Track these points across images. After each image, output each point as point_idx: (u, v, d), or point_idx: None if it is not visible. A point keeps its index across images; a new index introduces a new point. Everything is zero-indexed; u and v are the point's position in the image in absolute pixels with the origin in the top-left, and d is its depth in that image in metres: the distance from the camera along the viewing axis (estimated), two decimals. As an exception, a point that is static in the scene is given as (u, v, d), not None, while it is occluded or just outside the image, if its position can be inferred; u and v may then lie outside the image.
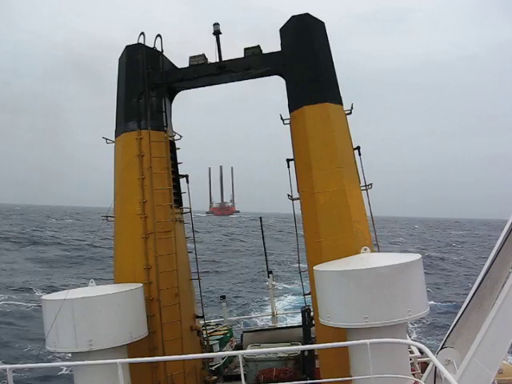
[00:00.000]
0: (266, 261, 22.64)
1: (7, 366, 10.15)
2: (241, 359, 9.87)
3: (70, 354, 12.58)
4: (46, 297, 12.52)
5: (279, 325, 21.54)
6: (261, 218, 22.98)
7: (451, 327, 10.17)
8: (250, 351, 12.70)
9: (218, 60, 15.11)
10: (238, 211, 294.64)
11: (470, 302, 9.98)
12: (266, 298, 43.56)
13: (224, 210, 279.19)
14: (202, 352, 15.36)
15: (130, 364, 12.04)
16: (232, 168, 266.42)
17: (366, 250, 12.11)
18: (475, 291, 9.98)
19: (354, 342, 9.75)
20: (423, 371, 13.93)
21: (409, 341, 10.21)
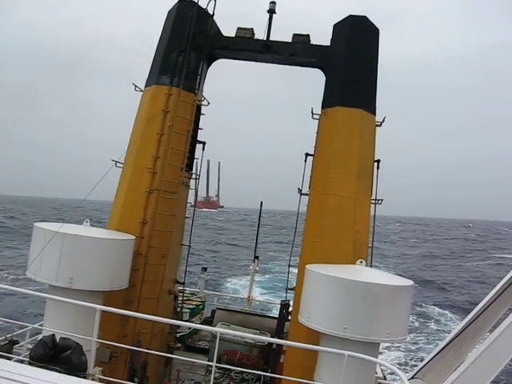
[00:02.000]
0: (256, 245, 22.62)
1: None
2: (218, 338, 9.84)
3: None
4: (38, 224, 12.42)
5: (253, 310, 21.55)
6: (261, 202, 22.90)
7: (426, 361, 10.19)
8: (228, 331, 12.71)
9: (265, 38, 14.95)
10: (222, 206, 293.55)
11: (450, 342, 9.98)
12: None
13: (208, 204, 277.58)
14: (174, 317, 15.36)
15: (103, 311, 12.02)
16: (219, 163, 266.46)
17: (361, 262, 12.08)
18: (458, 334, 9.98)
19: (333, 350, 9.72)
20: None
21: (386, 363, 10.18)
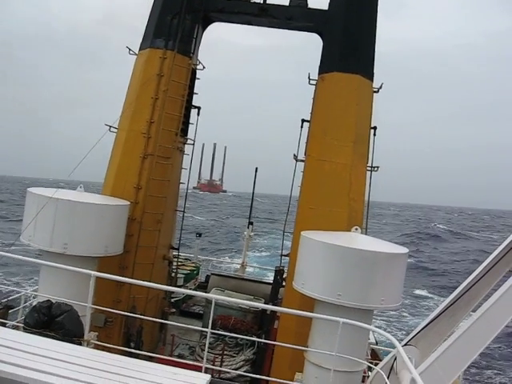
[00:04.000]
0: (251, 211, 22.63)
1: None
2: (213, 304, 9.86)
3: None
4: (32, 189, 12.30)
5: (247, 276, 21.68)
6: (256, 168, 22.80)
7: (419, 328, 10.21)
8: (223, 298, 12.75)
9: (262, 1, 14.64)
10: (224, 191, 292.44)
11: (444, 310, 10.01)
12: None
13: (211, 187, 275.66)
14: (168, 283, 15.41)
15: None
16: (225, 147, 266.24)
17: (356, 229, 12.03)
18: (452, 302, 10.00)
19: (327, 317, 9.75)
20: (371, 358, 14.18)
21: (380, 330, 10.25)
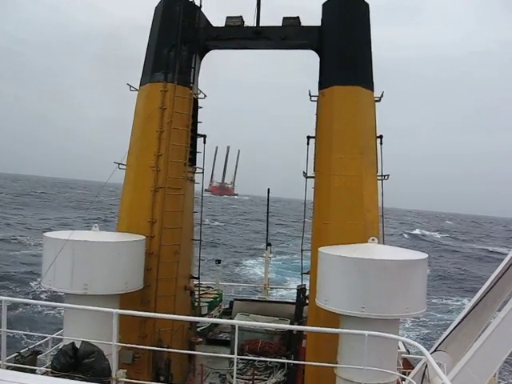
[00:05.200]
0: (267, 233, 22.60)
1: (3, 298, 10.10)
2: (237, 329, 9.82)
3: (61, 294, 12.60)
4: (48, 234, 12.43)
5: (270, 297, 21.60)
6: (268, 189, 22.79)
7: (447, 332, 10.13)
8: (246, 323, 12.70)
9: (255, 25, 14.81)
10: (236, 194, 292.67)
11: (470, 311, 9.91)
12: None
13: (223, 190, 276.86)
14: (192, 312, 15.41)
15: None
16: (239, 151, 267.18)
17: (373, 240, 11.99)
18: (477, 301, 9.91)
19: (352, 331, 9.68)
20: (404, 368, 14.01)
21: (407, 339, 10.19)
